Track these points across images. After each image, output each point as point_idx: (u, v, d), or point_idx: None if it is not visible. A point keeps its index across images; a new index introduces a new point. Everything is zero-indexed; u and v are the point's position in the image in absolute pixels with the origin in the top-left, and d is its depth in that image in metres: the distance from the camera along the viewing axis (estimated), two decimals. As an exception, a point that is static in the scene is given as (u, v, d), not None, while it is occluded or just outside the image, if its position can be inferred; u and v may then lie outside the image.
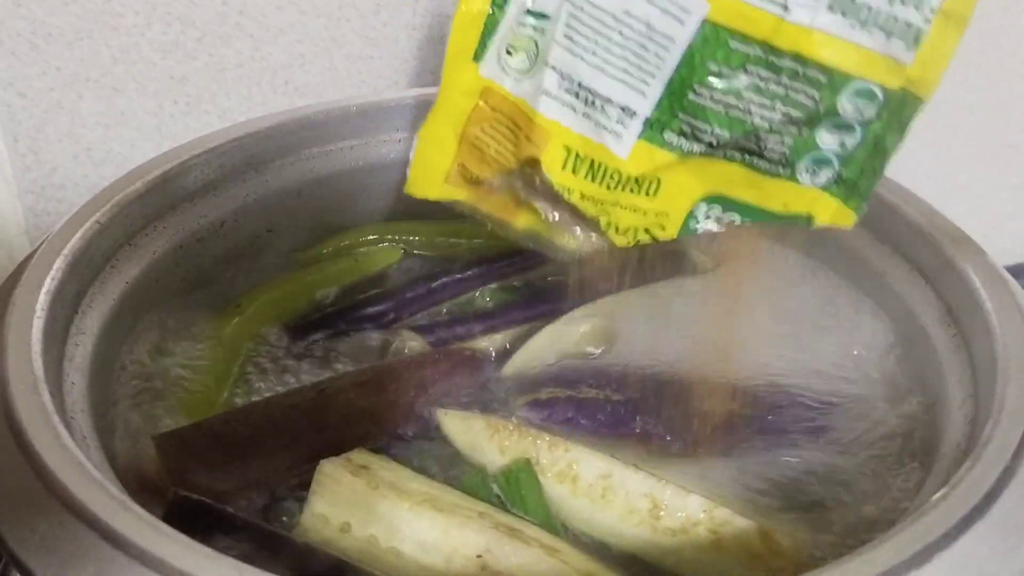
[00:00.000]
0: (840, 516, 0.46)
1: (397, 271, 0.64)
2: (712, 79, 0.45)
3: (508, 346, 0.58)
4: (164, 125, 0.84)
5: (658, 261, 0.63)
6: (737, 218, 0.49)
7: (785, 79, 0.45)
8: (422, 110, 0.64)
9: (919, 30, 0.43)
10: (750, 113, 0.46)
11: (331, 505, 0.45)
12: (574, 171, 0.49)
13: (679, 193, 0.49)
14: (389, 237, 0.65)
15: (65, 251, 0.47)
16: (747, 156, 0.47)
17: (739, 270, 0.62)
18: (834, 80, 0.44)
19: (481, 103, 0.51)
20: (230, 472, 0.48)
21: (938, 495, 0.37)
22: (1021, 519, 0.37)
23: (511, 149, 0.51)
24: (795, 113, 0.45)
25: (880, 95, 0.44)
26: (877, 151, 0.45)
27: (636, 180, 0.48)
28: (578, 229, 0.51)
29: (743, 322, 0.58)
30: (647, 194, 0.49)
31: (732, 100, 0.45)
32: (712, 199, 0.48)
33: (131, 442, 0.49)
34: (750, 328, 0.57)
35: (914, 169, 0.54)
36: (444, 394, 0.53)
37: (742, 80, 0.45)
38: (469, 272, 0.63)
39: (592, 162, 0.48)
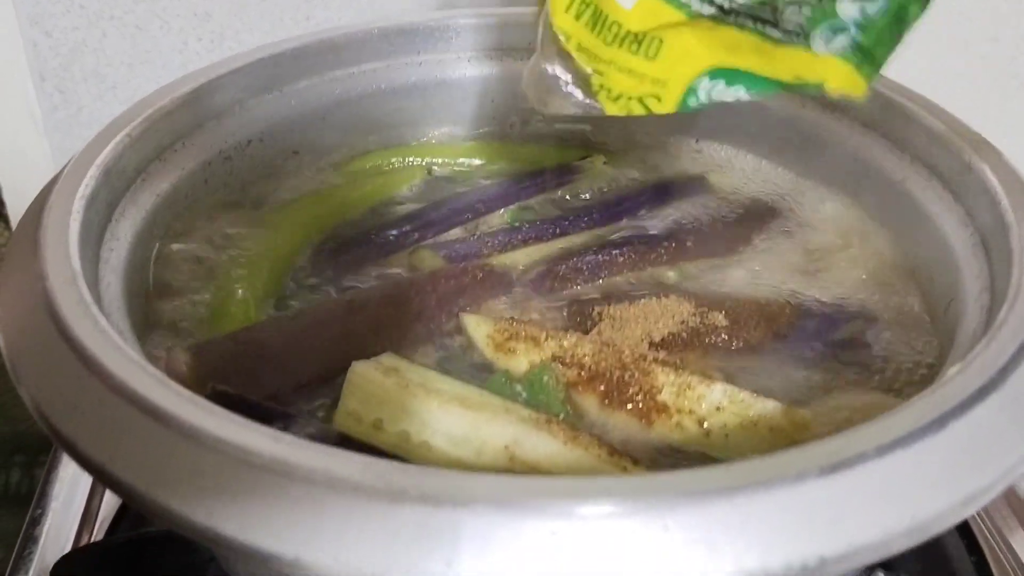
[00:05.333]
0: (860, 402, 0.47)
1: (420, 192, 0.65)
2: None
3: (527, 264, 0.59)
4: (189, 63, 0.85)
5: (676, 185, 0.65)
6: (743, 91, 0.46)
7: None
8: (443, 34, 0.65)
9: None
10: None
11: (363, 403, 0.46)
12: (577, 16, 0.46)
13: (681, 60, 0.46)
14: (412, 159, 0.66)
15: (98, 161, 0.49)
16: (760, 25, 0.45)
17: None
18: None
19: None
20: (263, 381, 0.49)
21: (954, 369, 0.38)
22: (1035, 393, 0.38)
23: None
24: None
25: None
26: (898, 20, 0.43)
27: (636, 37, 0.46)
28: (575, 92, 0.48)
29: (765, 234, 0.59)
30: (646, 56, 0.46)
31: None
32: (717, 73, 0.46)
33: (163, 350, 0.50)
34: (773, 240, 0.59)
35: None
36: (466, 307, 0.54)
37: None
38: (490, 192, 0.64)
39: (595, 8, 0.46)
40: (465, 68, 0.66)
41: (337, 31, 0.63)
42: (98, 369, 0.37)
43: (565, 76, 0.48)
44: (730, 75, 0.46)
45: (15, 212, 0.92)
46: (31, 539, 0.62)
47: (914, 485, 0.34)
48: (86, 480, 0.66)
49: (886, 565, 0.55)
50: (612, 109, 0.48)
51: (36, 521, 0.63)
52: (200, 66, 0.84)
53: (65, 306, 0.40)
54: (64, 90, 0.85)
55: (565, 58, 0.48)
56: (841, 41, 0.44)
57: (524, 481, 0.33)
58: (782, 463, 0.34)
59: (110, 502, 0.64)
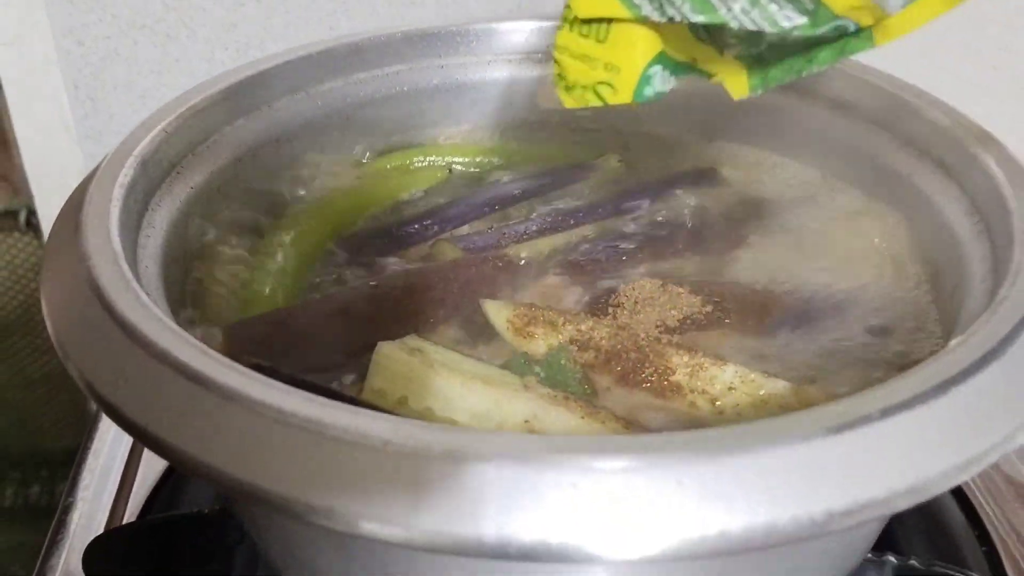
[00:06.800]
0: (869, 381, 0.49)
1: (442, 189, 0.67)
2: None
3: (544, 253, 0.60)
4: (215, 71, 0.87)
5: (687, 178, 0.67)
6: (674, 81, 0.46)
7: None
8: (464, 38, 0.67)
9: None
10: (731, 12, 0.42)
11: (388, 381, 0.48)
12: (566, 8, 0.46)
13: (632, 44, 0.45)
14: (433, 158, 0.69)
15: (136, 152, 0.51)
16: (698, 31, 0.45)
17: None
18: (819, 14, 0.42)
19: None
20: (292, 359, 0.51)
21: (956, 340, 0.40)
22: (1036, 363, 0.39)
23: None
24: (771, 31, 0.42)
25: (852, 28, 0.43)
26: (807, 57, 0.44)
27: (583, 21, 0.45)
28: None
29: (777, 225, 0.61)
30: (596, 39, 0.45)
31: None
32: (665, 60, 0.46)
33: (197, 334, 0.52)
34: (784, 231, 0.60)
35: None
36: (487, 293, 0.56)
37: None
38: (507, 189, 0.66)
39: None
40: (485, 71, 0.69)
41: (362, 35, 0.65)
42: (141, 339, 0.39)
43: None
44: (673, 64, 0.46)
45: (47, 219, 0.94)
46: (63, 525, 0.64)
47: (916, 447, 0.36)
48: (117, 469, 0.68)
49: (897, 549, 0.57)
50: (568, 101, 0.47)
51: (68, 509, 0.65)
52: (227, 74, 0.87)
53: (108, 283, 0.42)
54: (96, 98, 0.88)
55: None
56: (746, 49, 0.45)
57: (544, 438, 0.35)
58: (791, 423, 0.35)
59: (141, 490, 0.66)
